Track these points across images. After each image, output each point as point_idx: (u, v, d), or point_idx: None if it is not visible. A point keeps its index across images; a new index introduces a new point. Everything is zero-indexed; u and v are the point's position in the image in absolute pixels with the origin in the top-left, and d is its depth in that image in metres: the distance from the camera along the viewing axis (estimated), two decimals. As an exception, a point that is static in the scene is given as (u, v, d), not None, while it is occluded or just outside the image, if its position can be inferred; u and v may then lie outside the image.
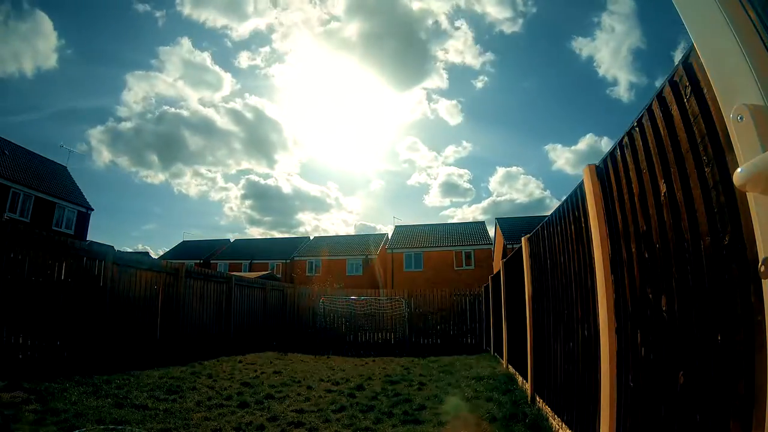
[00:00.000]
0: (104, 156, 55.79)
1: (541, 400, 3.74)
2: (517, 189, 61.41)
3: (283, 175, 65.34)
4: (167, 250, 35.58)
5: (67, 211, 22.40)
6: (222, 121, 58.63)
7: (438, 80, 55.52)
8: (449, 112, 58.01)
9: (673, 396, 1.43)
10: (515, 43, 55.81)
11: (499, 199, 58.97)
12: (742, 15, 0.64)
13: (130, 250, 32.59)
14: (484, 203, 58.34)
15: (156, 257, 30.24)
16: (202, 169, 61.37)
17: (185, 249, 34.06)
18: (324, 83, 64.95)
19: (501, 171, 61.71)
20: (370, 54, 58.44)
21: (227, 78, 59.46)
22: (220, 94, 58.99)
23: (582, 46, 55.29)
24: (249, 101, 60.68)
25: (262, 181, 63.02)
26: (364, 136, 68.40)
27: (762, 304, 0.87)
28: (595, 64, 56.87)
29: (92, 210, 24.08)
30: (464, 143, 62.06)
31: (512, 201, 58.97)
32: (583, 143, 57.11)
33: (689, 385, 1.33)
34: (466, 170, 62.70)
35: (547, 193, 60.56)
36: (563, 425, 2.97)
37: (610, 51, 55.29)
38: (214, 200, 64.32)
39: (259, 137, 61.78)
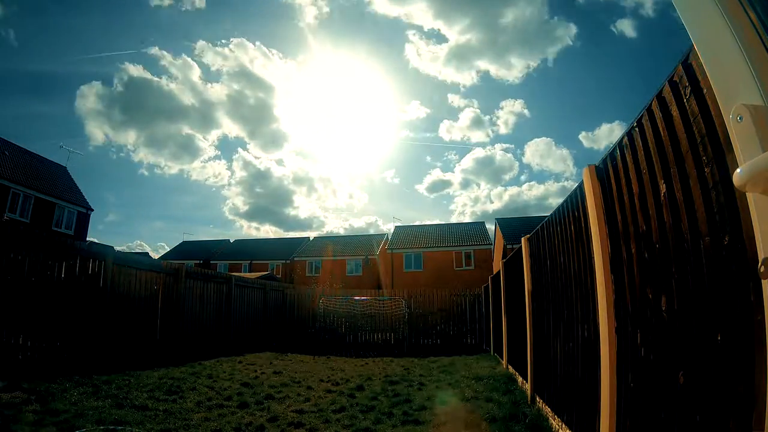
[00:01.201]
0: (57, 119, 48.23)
1: (541, 401, 3.73)
2: (554, 159, 58.06)
3: (283, 156, 60.52)
4: (167, 250, 35.68)
5: (66, 212, 22.38)
6: (205, 77, 50.99)
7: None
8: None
9: (673, 396, 1.43)
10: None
11: (528, 185, 56.11)
12: (742, 15, 0.64)
13: (127, 249, 32.57)
14: (505, 194, 55.19)
15: (156, 257, 30.31)
16: (183, 131, 53.09)
17: (185, 249, 34.10)
18: (340, 30, 56.62)
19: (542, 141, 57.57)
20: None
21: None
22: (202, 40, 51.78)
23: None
24: (236, 44, 51.95)
25: (257, 162, 57.84)
26: (366, 114, 62.55)
27: (762, 303, 0.87)
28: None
29: (92, 210, 24.08)
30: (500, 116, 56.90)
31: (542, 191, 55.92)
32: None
33: (689, 385, 1.33)
34: (509, 144, 58.25)
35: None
36: (563, 425, 2.96)
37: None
38: (197, 182, 57.91)
39: (250, 107, 55.07)
